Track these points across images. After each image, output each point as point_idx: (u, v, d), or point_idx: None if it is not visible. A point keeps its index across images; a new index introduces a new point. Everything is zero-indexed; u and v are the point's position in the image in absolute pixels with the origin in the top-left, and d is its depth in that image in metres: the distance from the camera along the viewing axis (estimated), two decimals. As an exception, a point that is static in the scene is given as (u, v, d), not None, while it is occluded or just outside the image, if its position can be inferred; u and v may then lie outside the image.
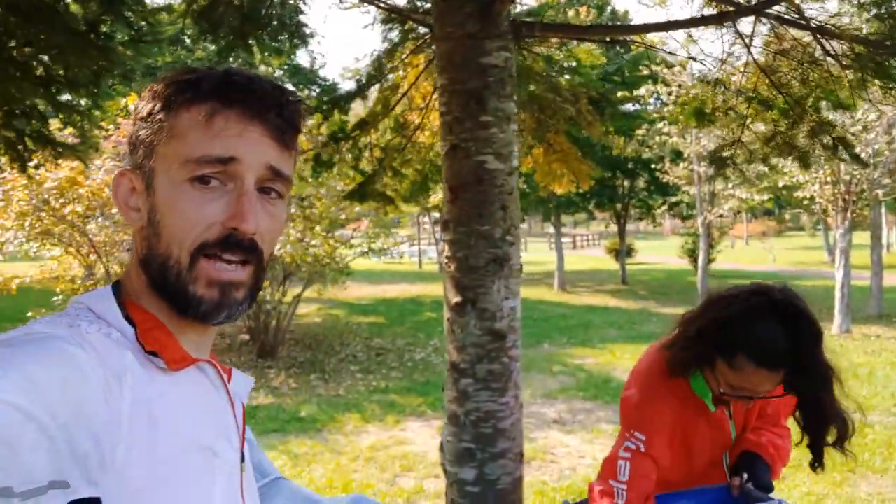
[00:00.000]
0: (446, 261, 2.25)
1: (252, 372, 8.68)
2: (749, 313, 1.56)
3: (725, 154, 2.78)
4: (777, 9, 2.08)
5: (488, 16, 2.17)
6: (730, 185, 15.03)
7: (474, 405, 2.19)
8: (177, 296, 0.72)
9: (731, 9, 2.09)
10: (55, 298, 8.11)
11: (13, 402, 0.54)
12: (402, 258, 28.87)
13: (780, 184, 14.08)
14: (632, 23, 20.39)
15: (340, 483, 5.01)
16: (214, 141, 0.71)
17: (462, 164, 2.20)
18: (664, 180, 16.69)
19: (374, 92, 3.69)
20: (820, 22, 2.10)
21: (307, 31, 4.34)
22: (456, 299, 2.21)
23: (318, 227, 8.91)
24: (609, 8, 20.89)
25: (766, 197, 16.76)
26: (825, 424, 1.63)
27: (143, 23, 3.82)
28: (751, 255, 32.28)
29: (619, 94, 14.03)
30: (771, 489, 1.76)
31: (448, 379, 2.27)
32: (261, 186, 0.74)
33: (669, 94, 12.74)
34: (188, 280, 0.71)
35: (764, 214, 41.70)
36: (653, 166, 17.25)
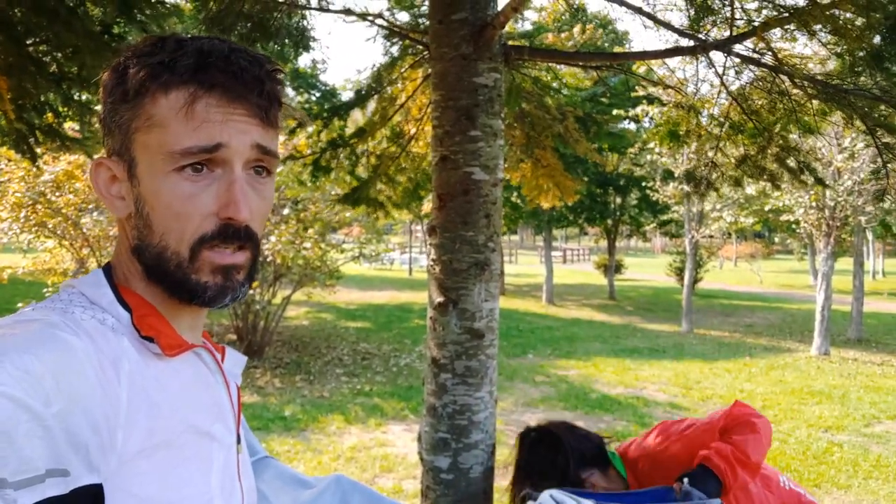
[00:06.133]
0: (431, 264, 2.42)
1: (239, 370, 8.78)
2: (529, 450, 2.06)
3: (699, 174, 2.98)
4: (747, 44, 2.28)
5: (481, 39, 2.35)
6: (717, 207, 15.31)
7: (451, 398, 2.35)
8: (179, 285, 0.71)
9: (699, 44, 2.28)
10: (45, 290, 8.18)
11: (6, 392, 0.54)
12: (392, 265, 29.02)
13: (767, 207, 14.39)
14: (630, 44, 20.84)
15: (322, 479, 5.13)
16: (197, 131, 0.68)
17: (451, 174, 2.37)
18: (655, 199, 16.97)
19: (372, 102, 3.87)
20: (778, 60, 2.29)
21: (311, 37, 4.50)
22: (439, 299, 2.38)
23: (310, 230, 9.03)
24: (610, 26, 21.39)
25: (753, 220, 17.09)
26: None
27: (156, 27, 3.99)
28: (738, 276, 32.64)
29: (615, 112, 14.26)
30: (714, 494, 1.92)
31: (428, 373, 2.43)
32: (250, 167, 0.72)
33: (662, 114, 13.01)
34: (190, 270, 0.71)
35: (754, 237, 42.15)
36: (644, 184, 17.51)
